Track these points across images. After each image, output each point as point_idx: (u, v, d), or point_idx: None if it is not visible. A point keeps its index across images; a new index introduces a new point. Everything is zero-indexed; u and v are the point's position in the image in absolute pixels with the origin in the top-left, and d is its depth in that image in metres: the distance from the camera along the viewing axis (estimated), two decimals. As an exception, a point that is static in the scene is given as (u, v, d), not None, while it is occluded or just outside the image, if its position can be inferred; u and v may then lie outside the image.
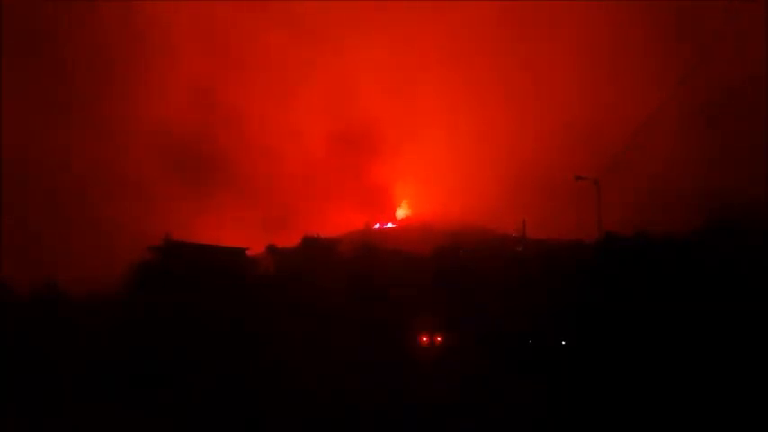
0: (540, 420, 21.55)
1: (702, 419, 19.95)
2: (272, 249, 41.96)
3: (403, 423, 21.83)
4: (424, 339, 30.13)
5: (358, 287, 32.29)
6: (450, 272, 34.47)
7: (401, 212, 61.83)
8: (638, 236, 33.57)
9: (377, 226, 57.33)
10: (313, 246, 41.49)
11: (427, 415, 22.13)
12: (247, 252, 41.60)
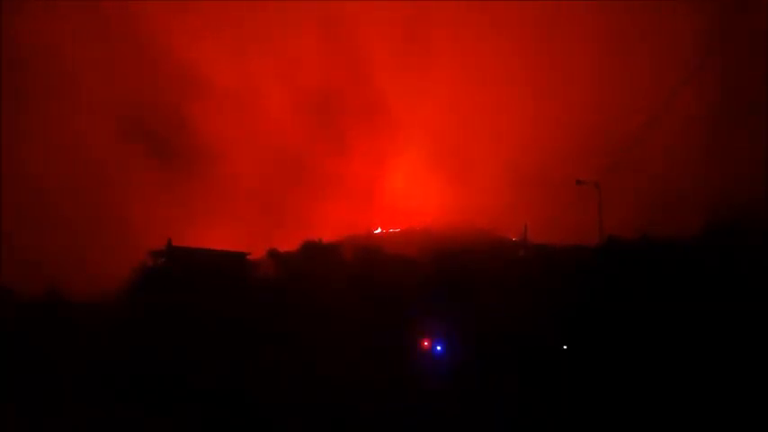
0: (542, 422, 21.50)
1: (704, 420, 19.89)
2: (273, 254, 42.06)
3: (403, 425, 21.79)
4: (425, 343, 30.08)
5: (359, 291, 32.31)
6: (452, 276, 34.46)
7: (401, 216, 61.88)
8: (640, 239, 33.61)
9: (378, 231, 57.29)
10: (314, 250, 41.57)
11: (428, 416, 22.08)
12: (248, 256, 41.72)
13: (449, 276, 34.29)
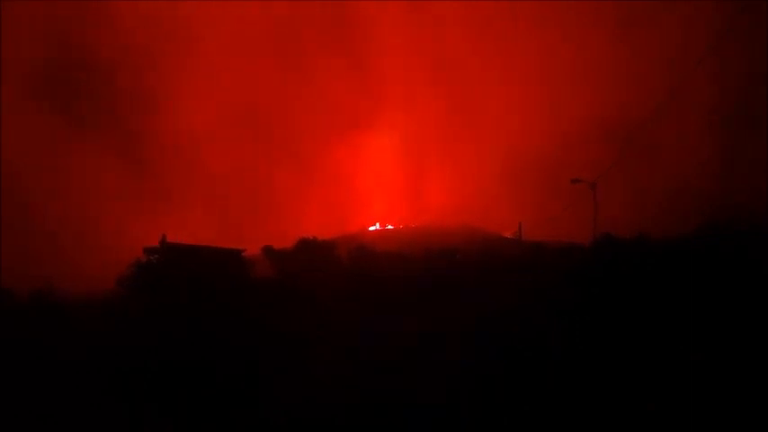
0: (535, 422, 21.48)
1: (701, 421, 19.95)
2: (268, 251, 42.11)
3: (399, 422, 21.73)
4: (420, 342, 30.04)
5: (354, 288, 32.32)
6: (447, 273, 34.56)
7: (396, 214, 61.90)
8: (636, 237, 33.81)
9: (373, 228, 57.30)
10: (309, 247, 41.65)
11: (423, 415, 22.02)
12: (243, 253, 41.69)
13: (443, 273, 34.37)
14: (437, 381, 24.74)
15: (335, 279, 33.80)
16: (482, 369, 24.86)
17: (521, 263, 37.94)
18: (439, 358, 27.95)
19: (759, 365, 21.02)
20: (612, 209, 36.80)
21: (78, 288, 35.31)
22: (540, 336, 27.40)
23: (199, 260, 37.32)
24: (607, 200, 36.04)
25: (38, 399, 21.81)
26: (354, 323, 27.88)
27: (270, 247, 41.74)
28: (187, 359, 25.02)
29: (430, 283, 33.14)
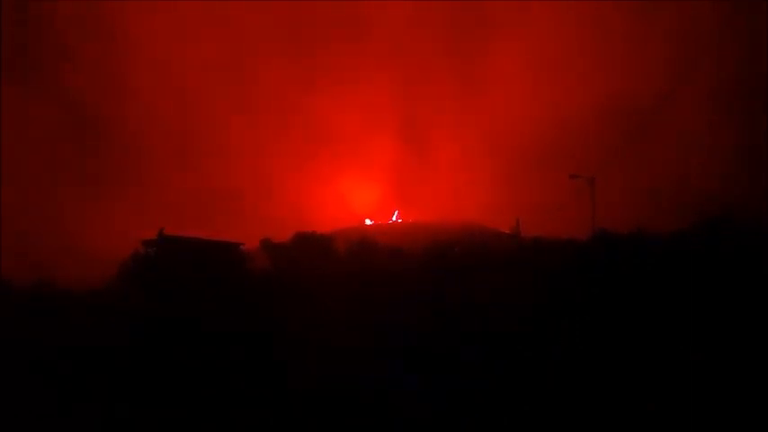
0: (534, 421, 21.50)
1: (701, 421, 19.99)
2: (266, 244, 42.22)
3: (397, 421, 21.73)
4: (419, 339, 30.05)
5: (352, 283, 32.29)
6: (445, 269, 34.55)
7: (396, 209, 61.88)
8: (633, 233, 33.85)
9: (370, 222, 57.30)
10: (307, 241, 41.72)
11: (421, 414, 22.02)
12: (242, 247, 41.71)
13: (440, 269, 34.35)
14: (436, 380, 24.79)
15: (331, 272, 33.80)
16: (481, 368, 24.89)
17: (520, 259, 37.96)
18: (437, 357, 28.00)
19: (759, 365, 21.09)
20: (611, 205, 36.85)
21: (77, 279, 35.24)
22: (539, 335, 27.41)
23: (197, 253, 37.31)
24: (606, 196, 36.07)
25: (36, 395, 21.76)
26: (353, 319, 27.86)
27: (267, 240, 41.86)
28: (184, 354, 24.99)
29: (428, 279, 33.11)
